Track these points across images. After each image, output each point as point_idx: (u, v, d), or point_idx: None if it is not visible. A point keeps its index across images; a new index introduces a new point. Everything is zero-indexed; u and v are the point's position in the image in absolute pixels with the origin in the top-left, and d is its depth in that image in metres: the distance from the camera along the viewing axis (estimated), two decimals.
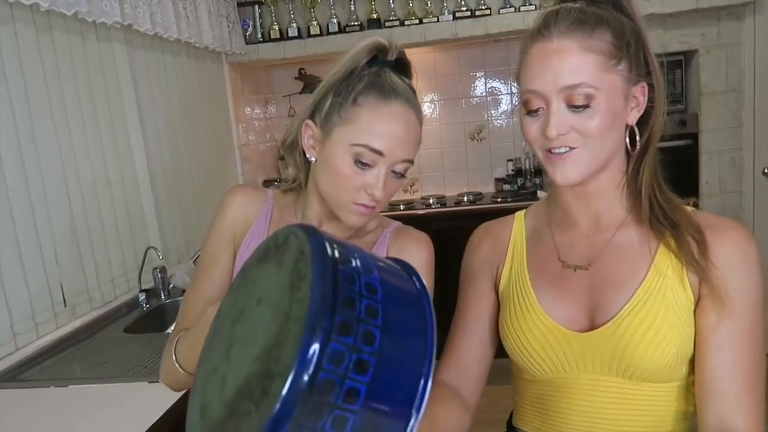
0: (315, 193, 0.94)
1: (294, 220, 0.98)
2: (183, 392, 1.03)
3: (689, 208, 0.88)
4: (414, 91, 0.91)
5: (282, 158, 0.99)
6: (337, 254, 0.50)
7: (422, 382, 0.50)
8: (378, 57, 0.90)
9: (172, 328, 1.00)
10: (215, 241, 0.97)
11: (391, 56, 0.90)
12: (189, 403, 0.59)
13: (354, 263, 0.51)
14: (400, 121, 0.86)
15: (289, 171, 0.99)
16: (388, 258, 0.61)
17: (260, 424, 0.44)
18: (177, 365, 0.88)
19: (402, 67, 0.92)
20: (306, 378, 0.43)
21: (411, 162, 0.89)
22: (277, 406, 0.43)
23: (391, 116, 0.86)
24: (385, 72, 0.89)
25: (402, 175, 0.90)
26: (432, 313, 0.54)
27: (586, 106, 0.78)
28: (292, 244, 0.53)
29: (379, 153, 0.85)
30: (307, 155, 0.92)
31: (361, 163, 0.85)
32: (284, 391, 0.43)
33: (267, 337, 0.49)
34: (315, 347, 0.44)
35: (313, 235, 0.52)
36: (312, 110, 0.91)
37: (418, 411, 0.50)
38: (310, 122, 0.91)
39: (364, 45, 0.89)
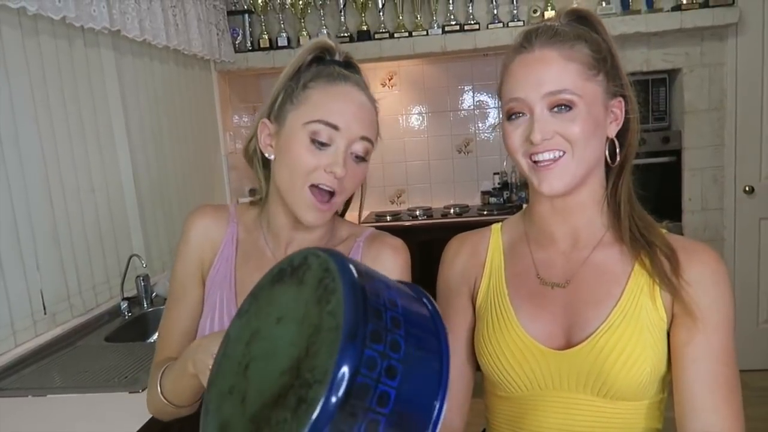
0: (278, 201, 0.92)
1: (261, 236, 0.97)
2: None
3: (662, 230, 0.89)
4: (365, 84, 0.91)
5: None
6: (360, 272, 0.53)
7: (439, 401, 0.52)
8: (325, 57, 0.90)
9: (155, 337, 0.99)
10: (182, 269, 0.96)
11: (339, 57, 0.91)
12: (202, 427, 0.59)
13: (375, 280, 0.54)
14: (353, 99, 0.86)
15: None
16: (396, 281, 0.63)
17: (299, 429, 0.45)
18: (162, 398, 0.88)
19: (350, 67, 0.92)
20: (346, 382, 0.46)
21: (371, 142, 0.87)
22: (318, 408, 0.45)
23: (342, 94, 0.86)
24: (332, 66, 0.89)
25: (363, 159, 0.88)
26: (443, 325, 0.57)
27: (568, 109, 0.80)
28: (312, 264, 0.55)
29: (335, 127, 0.83)
30: (266, 154, 0.91)
31: (318, 143, 0.83)
32: (325, 395, 0.45)
33: (294, 351, 0.51)
34: (353, 353, 0.46)
35: (335, 254, 0.55)
36: (267, 113, 0.91)
37: (439, 413, 0.52)
38: (265, 120, 0.90)
39: (307, 45, 0.91)
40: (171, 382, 0.86)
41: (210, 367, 0.72)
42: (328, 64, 0.89)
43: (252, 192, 3.37)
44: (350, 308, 0.48)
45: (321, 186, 0.84)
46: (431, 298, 0.61)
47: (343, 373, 0.45)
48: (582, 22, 0.86)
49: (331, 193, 0.86)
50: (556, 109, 0.80)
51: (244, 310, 0.63)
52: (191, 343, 0.84)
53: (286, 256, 0.60)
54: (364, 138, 0.86)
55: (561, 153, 0.81)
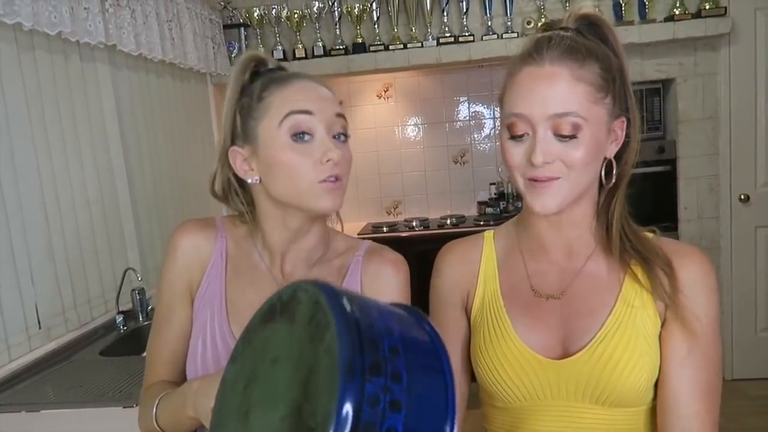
0: (272, 218, 0.90)
1: (255, 252, 0.94)
2: None
3: (650, 235, 0.89)
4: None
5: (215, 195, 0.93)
6: (352, 303, 0.51)
7: (449, 425, 0.51)
8: (260, 69, 0.89)
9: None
10: (169, 289, 0.93)
11: (273, 65, 0.90)
12: None
13: (367, 309, 0.52)
14: (312, 88, 0.86)
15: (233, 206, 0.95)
16: (391, 304, 0.61)
17: None
18: (157, 427, 0.85)
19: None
20: (350, 423, 0.44)
21: (345, 119, 0.88)
22: None
23: (300, 87, 0.85)
24: (275, 72, 0.89)
25: (345, 137, 0.88)
26: (444, 347, 0.55)
27: (572, 137, 0.78)
28: (302, 299, 0.53)
29: (308, 112, 0.83)
30: (248, 181, 0.88)
31: (300, 136, 0.82)
32: None
33: (293, 393, 0.49)
34: (353, 392, 0.44)
35: (324, 286, 0.52)
36: (231, 141, 0.88)
37: None
38: (235, 148, 0.87)
39: (241, 63, 0.89)
40: (168, 414, 0.84)
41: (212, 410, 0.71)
42: (268, 74, 0.89)
43: None
44: (345, 344, 0.46)
45: (327, 181, 0.84)
46: (429, 320, 0.58)
47: (346, 414, 0.44)
48: (592, 29, 0.84)
49: (337, 177, 0.85)
50: (560, 136, 0.78)
51: (238, 353, 0.61)
52: (190, 384, 0.81)
53: (275, 292, 0.58)
54: (338, 115, 0.86)
55: (557, 176, 0.80)
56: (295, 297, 0.54)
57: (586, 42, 0.81)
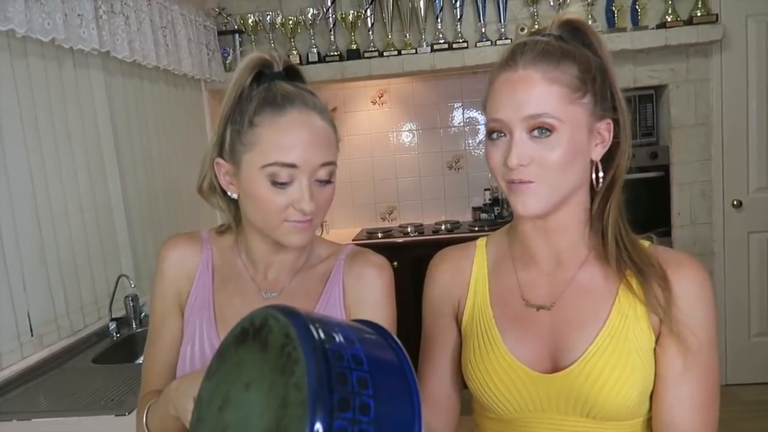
0: (252, 228, 0.90)
1: (239, 262, 0.95)
2: None
3: (646, 243, 0.88)
4: (313, 93, 0.86)
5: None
6: (321, 333, 0.52)
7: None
8: (264, 72, 0.86)
9: (142, 360, 0.98)
10: (160, 302, 0.95)
11: (278, 67, 0.87)
12: None
13: (337, 338, 0.53)
14: (303, 126, 0.82)
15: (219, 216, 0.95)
16: (358, 321, 0.62)
17: None
18: None
19: (293, 74, 0.88)
20: None
21: (333, 164, 0.85)
22: None
23: (291, 125, 0.81)
24: (274, 84, 0.84)
25: (329, 182, 0.85)
26: (412, 369, 0.56)
27: (548, 133, 0.78)
28: (273, 327, 0.54)
29: (293, 166, 0.81)
30: (229, 193, 0.89)
31: (279, 184, 0.81)
32: None
33: (265, 424, 0.50)
34: (321, 428, 0.46)
35: (295, 317, 0.53)
36: (218, 148, 0.88)
37: None
38: (219, 160, 0.87)
39: (244, 63, 0.86)
40: (156, 419, 0.85)
41: (190, 412, 0.71)
42: (269, 81, 0.85)
43: None
44: (314, 381, 0.47)
45: (295, 221, 0.83)
46: (396, 339, 0.59)
47: None
48: (575, 34, 0.84)
49: (308, 220, 0.85)
50: (536, 132, 0.78)
51: (213, 371, 0.62)
52: (171, 384, 0.82)
53: (247, 314, 0.58)
54: (324, 164, 0.83)
55: (532, 180, 0.80)
56: (266, 324, 0.55)
57: (563, 45, 0.82)
